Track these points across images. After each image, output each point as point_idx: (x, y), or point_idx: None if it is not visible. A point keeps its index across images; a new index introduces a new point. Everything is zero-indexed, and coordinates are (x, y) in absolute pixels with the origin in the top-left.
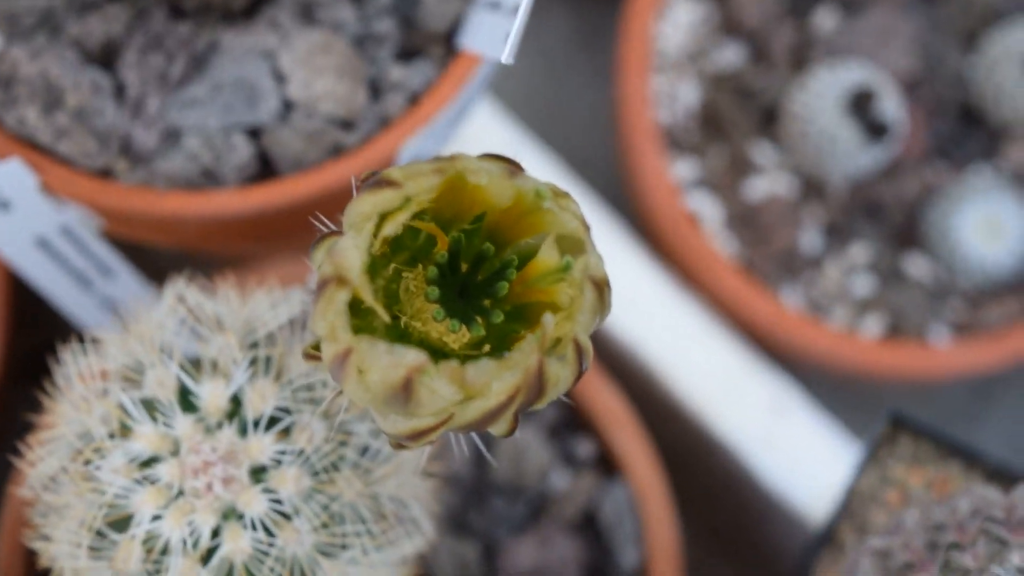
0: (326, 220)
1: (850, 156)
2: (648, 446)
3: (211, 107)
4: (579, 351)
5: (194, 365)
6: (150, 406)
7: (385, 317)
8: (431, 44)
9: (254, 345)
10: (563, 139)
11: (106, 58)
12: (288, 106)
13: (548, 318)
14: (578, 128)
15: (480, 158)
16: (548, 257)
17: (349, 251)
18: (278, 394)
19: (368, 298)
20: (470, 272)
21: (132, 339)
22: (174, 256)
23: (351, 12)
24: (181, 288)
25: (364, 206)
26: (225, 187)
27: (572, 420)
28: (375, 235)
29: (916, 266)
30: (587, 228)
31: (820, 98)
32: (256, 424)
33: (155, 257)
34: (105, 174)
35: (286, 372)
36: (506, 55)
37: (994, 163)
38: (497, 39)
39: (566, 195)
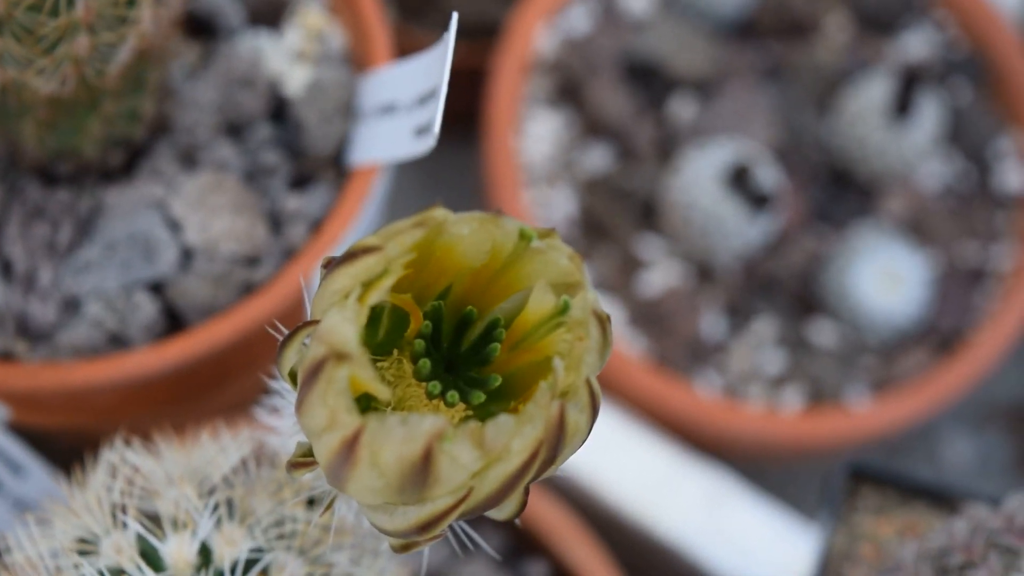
0: (281, 327)
1: (738, 232)
2: (604, 556)
3: (107, 268)
4: (592, 394)
5: (153, 521)
6: (116, 573)
7: (386, 394)
8: (322, 168)
9: (211, 491)
10: None
11: None
12: (188, 253)
13: (558, 362)
14: None
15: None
16: (541, 304)
17: (341, 325)
18: (247, 536)
19: (367, 374)
20: (452, 342)
21: (80, 509)
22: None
23: (232, 150)
24: (118, 451)
25: (342, 280)
26: (135, 349)
27: (519, 545)
28: (361, 303)
29: (822, 332)
30: (580, 262)
31: (697, 180)
32: (233, 571)
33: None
34: (5, 358)
35: (251, 513)
36: (430, 141)
37: (874, 216)
38: (400, 140)
39: (551, 232)
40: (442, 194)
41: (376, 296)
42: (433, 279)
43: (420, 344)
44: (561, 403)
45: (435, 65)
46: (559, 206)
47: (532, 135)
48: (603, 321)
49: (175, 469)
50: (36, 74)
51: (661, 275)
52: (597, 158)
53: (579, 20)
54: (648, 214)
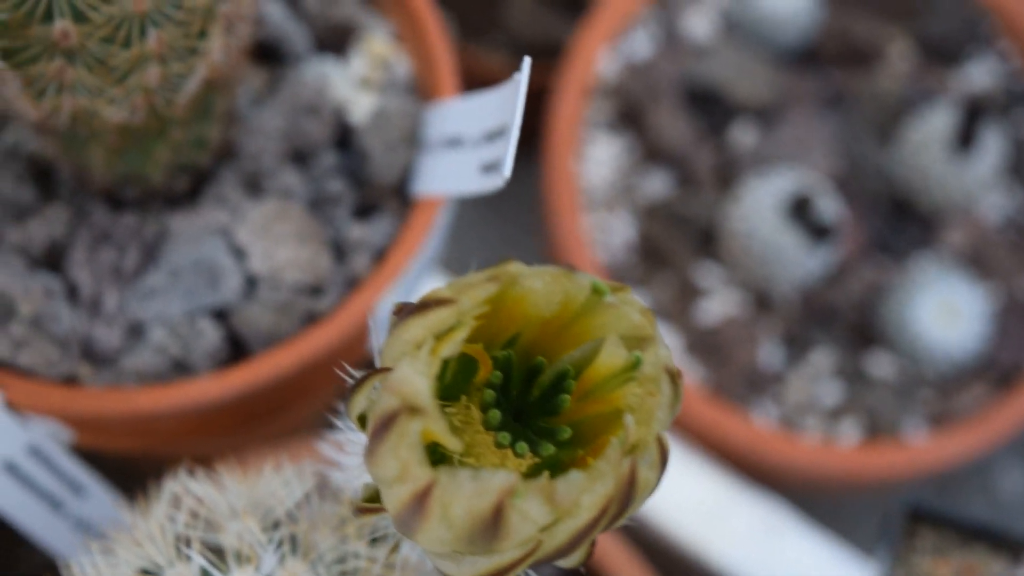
0: (349, 370)
1: (798, 262)
2: None
3: (172, 294)
4: (662, 450)
5: (216, 555)
6: None
7: (457, 446)
8: (385, 197)
9: (275, 525)
10: None
11: (53, 260)
12: (252, 281)
13: (630, 419)
14: None
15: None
16: (612, 358)
17: (413, 378)
18: (310, 572)
19: (440, 427)
20: (521, 391)
21: (143, 539)
22: (147, 464)
23: (297, 177)
24: (182, 481)
25: (414, 330)
26: (198, 375)
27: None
28: (433, 355)
29: (879, 364)
30: (652, 318)
31: (757, 210)
32: None
33: (125, 468)
34: (70, 381)
35: (314, 548)
36: (499, 180)
37: (934, 249)
38: (467, 174)
39: (624, 287)
40: (500, 214)
41: (449, 349)
42: (502, 328)
43: (490, 395)
44: (633, 461)
45: (505, 103)
46: (618, 231)
47: (592, 159)
48: (675, 377)
49: (238, 501)
50: (107, 103)
51: (719, 303)
52: (657, 184)
53: (641, 44)
54: (707, 241)
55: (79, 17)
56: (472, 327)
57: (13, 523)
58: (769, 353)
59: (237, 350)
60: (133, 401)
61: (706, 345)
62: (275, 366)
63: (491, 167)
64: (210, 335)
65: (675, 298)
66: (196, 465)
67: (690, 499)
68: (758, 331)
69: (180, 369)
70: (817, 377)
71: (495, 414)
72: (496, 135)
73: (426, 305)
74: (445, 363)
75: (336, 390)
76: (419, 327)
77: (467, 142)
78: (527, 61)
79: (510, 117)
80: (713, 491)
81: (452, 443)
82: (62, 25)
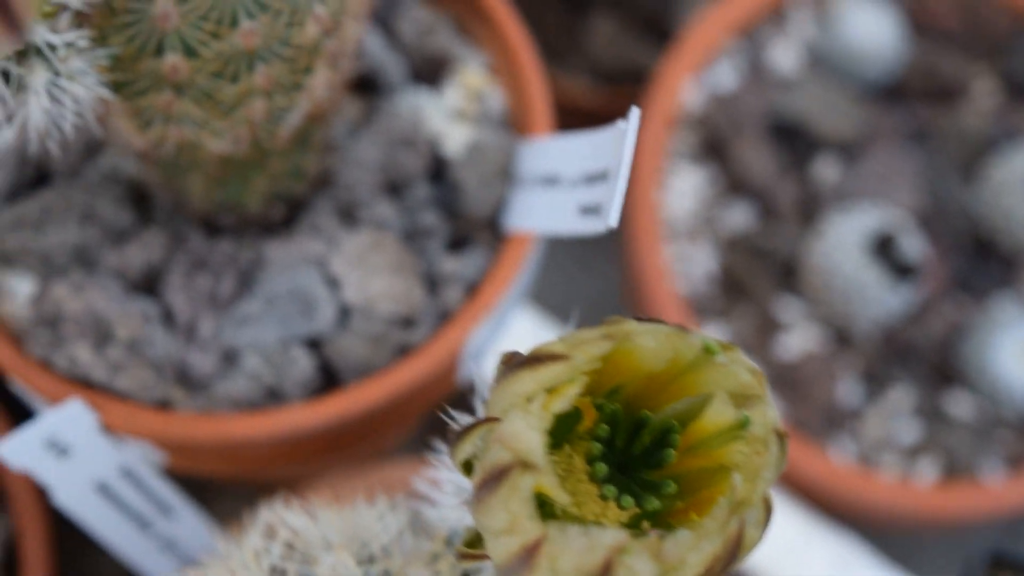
0: (452, 413)
1: (879, 300)
2: None
3: (267, 322)
4: (767, 509)
5: None
6: None
7: (566, 501)
8: (478, 231)
9: (370, 559)
10: (582, 320)
11: (149, 285)
12: (346, 311)
13: (738, 479)
14: (596, 306)
15: (641, 321)
16: (720, 415)
17: (526, 433)
18: None
19: (552, 482)
20: (626, 444)
21: (237, 568)
22: (231, 486)
23: (391, 208)
24: (274, 510)
25: (526, 384)
26: (290, 403)
27: None
28: (545, 410)
29: (959, 404)
30: (761, 377)
31: (840, 246)
32: None
33: (210, 489)
34: (164, 405)
35: None
36: (601, 224)
37: (1015, 289)
38: (563, 214)
39: (733, 347)
40: (579, 239)
41: (561, 404)
42: (608, 379)
43: (597, 448)
44: (741, 521)
45: (608, 147)
46: (699, 262)
47: (675, 189)
48: (782, 438)
49: (332, 533)
50: (211, 135)
51: (799, 338)
52: (739, 216)
53: (726, 76)
54: (788, 275)
55: (190, 53)
56: (584, 383)
57: (102, 540)
58: (848, 389)
59: (329, 379)
60: (225, 427)
61: (785, 380)
62: (367, 397)
63: (591, 210)
64: (303, 364)
65: (755, 331)
66: (283, 488)
67: (767, 534)
68: (837, 367)
69: (272, 396)
70: (895, 415)
71: (601, 467)
72: (596, 178)
73: (538, 359)
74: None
75: (426, 420)
76: (531, 381)
77: (564, 182)
78: (635, 113)
79: (615, 164)
80: (790, 527)
81: (562, 498)
82: (173, 60)
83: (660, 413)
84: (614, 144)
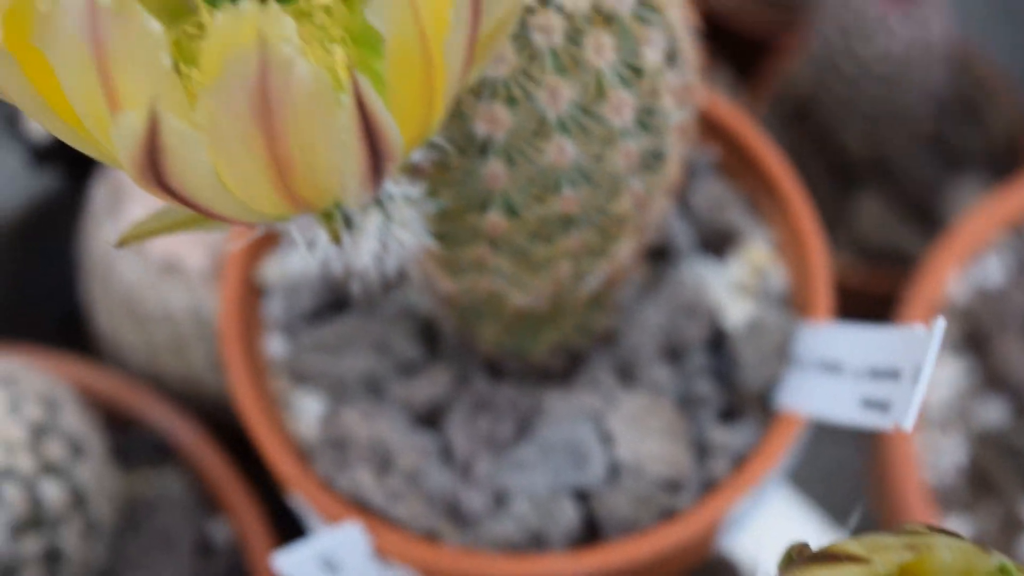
0: None
1: None
2: None
3: (540, 469)
4: None
5: None
6: None
7: None
8: (750, 404)
9: None
10: (823, 491)
11: (430, 420)
12: (615, 468)
13: None
14: (833, 475)
15: (940, 532)
16: None
17: None
18: None
19: None
20: None
21: None
22: None
23: (668, 373)
24: None
25: None
26: (553, 551)
27: None
28: None
29: None
30: None
31: None
32: None
33: None
34: (431, 536)
35: None
36: (887, 422)
37: None
38: (843, 404)
39: None
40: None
41: None
42: None
43: None
44: None
45: (901, 347)
46: (948, 453)
47: (931, 378)
48: None
49: None
50: (517, 289)
51: None
52: (993, 412)
53: (993, 271)
54: None
55: (512, 212)
56: None
57: None
58: None
59: (591, 531)
60: (489, 566)
61: None
62: (628, 554)
63: (876, 405)
64: (569, 513)
65: (999, 529)
66: None
67: None
68: None
69: (535, 542)
70: None
71: None
72: (884, 374)
73: (835, 556)
74: None
75: None
76: None
77: (847, 371)
78: (940, 323)
79: (910, 367)
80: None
81: None
82: (495, 218)
83: None
84: (910, 346)
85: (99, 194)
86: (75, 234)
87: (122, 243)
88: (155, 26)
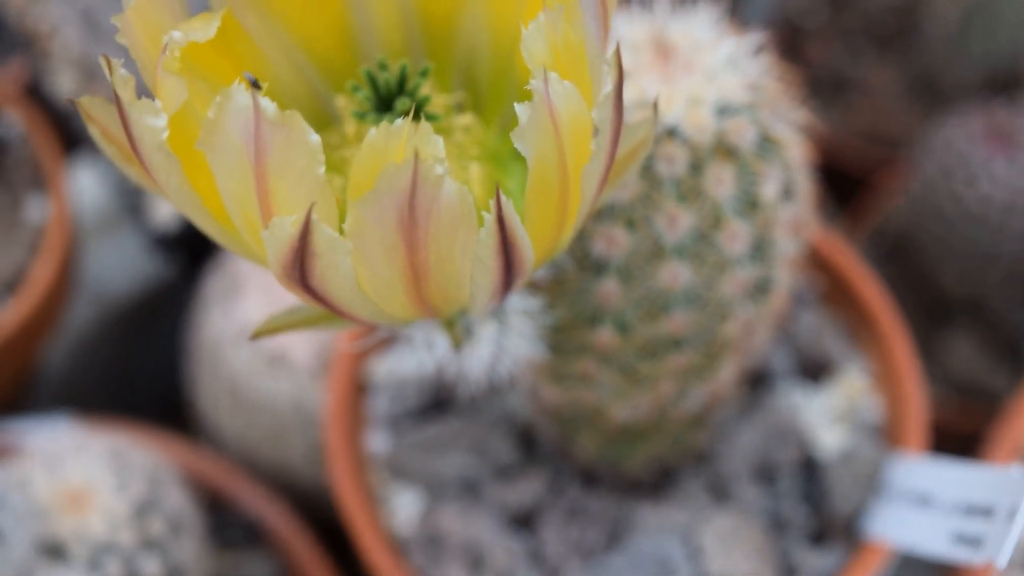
0: None
1: None
2: None
3: None
4: None
5: None
6: None
7: None
8: (837, 530)
9: None
10: None
11: (523, 523)
12: None
13: None
14: None
15: None
16: None
17: None
18: None
19: None
20: None
21: None
22: None
23: (759, 494)
24: None
25: None
26: None
27: None
28: None
29: None
30: None
31: None
32: None
33: None
34: None
35: None
36: (980, 558)
37: None
38: (933, 537)
39: None
40: None
41: None
42: None
43: None
44: None
45: (994, 486)
46: None
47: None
48: None
49: None
50: (619, 403)
51: None
52: None
53: None
54: None
55: (622, 330)
56: None
57: None
58: None
59: None
60: None
61: None
62: None
63: (967, 540)
64: None
65: None
66: None
67: None
68: None
69: None
70: None
71: None
72: (978, 512)
73: None
74: None
75: None
76: None
77: (938, 505)
78: None
79: (1004, 506)
80: None
81: None
82: (606, 334)
83: None
84: (1005, 485)
85: (213, 284)
86: (185, 320)
87: (256, 335)
88: (314, 138)
